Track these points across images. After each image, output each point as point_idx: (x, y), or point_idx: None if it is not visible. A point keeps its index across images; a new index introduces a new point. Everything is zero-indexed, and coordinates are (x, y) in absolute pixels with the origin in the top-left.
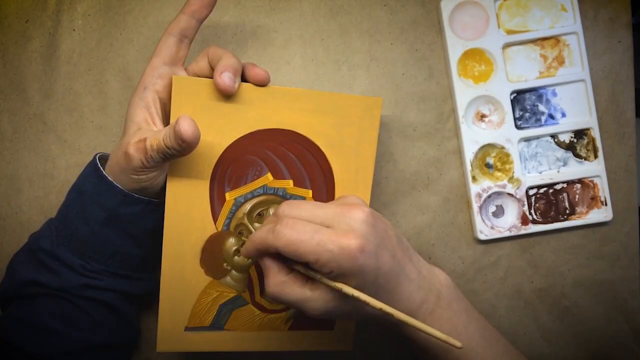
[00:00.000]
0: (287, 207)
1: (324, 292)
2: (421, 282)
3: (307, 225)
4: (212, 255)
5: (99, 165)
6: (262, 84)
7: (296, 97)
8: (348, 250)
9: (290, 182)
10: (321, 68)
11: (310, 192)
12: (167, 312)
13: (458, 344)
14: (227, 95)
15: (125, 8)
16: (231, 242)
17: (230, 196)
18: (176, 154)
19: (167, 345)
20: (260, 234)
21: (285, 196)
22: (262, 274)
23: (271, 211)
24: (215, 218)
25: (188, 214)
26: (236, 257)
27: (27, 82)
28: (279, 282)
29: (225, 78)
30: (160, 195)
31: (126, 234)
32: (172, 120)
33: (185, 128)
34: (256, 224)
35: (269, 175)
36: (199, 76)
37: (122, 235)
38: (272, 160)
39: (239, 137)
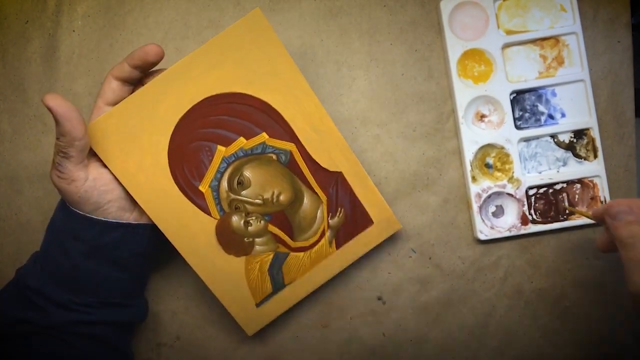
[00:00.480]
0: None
1: None
2: None
3: None
4: (229, 240)
5: (66, 202)
6: (157, 57)
7: (187, 68)
8: None
9: (242, 139)
10: (321, 68)
11: (264, 133)
12: (233, 305)
13: None
14: (158, 59)
15: (125, 9)
16: (235, 219)
17: (203, 187)
18: (67, 141)
19: (252, 327)
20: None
21: (246, 153)
22: (280, 224)
23: (246, 173)
24: (207, 212)
25: (184, 225)
26: (249, 227)
27: (27, 83)
28: None
29: (148, 47)
30: (136, 213)
31: (110, 262)
32: (108, 164)
33: (53, 102)
34: (243, 192)
35: (220, 148)
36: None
37: (107, 264)
38: (212, 134)
39: (169, 137)
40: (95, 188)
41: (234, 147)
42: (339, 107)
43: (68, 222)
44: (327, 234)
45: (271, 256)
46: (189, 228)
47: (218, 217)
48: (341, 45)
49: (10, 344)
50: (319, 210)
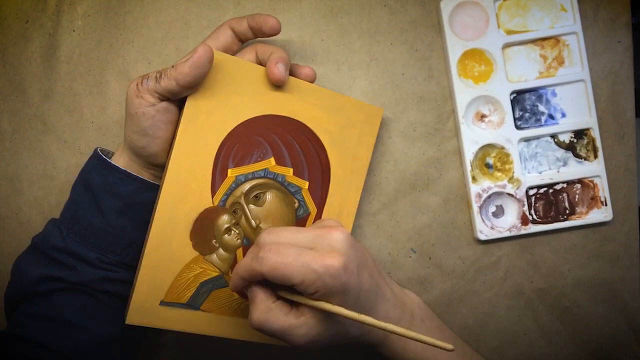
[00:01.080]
0: (267, 235)
1: (308, 319)
2: (396, 301)
3: (291, 249)
4: (202, 229)
5: (104, 157)
6: (311, 80)
7: (309, 91)
8: (332, 269)
9: (291, 170)
10: (321, 68)
11: (307, 183)
12: (145, 282)
13: (449, 346)
14: (277, 85)
15: (125, 9)
16: (224, 219)
17: (232, 173)
18: (176, 78)
19: (138, 318)
20: (244, 262)
21: (284, 183)
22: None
23: (268, 195)
24: (213, 192)
25: (188, 182)
26: (226, 235)
27: (27, 83)
28: (264, 309)
29: (281, 68)
30: None
31: (142, 223)
32: (189, 94)
33: (205, 47)
34: (252, 206)
35: (272, 160)
36: None
37: (138, 224)
38: (277, 146)
39: (251, 117)
40: (153, 117)
41: (280, 170)
42: None
43: (106, 177)
44: None
45: (216, 274)
46: (189, 188)
47: (215, 205)
48: (341, 45)
49: (37, 301)
50: None
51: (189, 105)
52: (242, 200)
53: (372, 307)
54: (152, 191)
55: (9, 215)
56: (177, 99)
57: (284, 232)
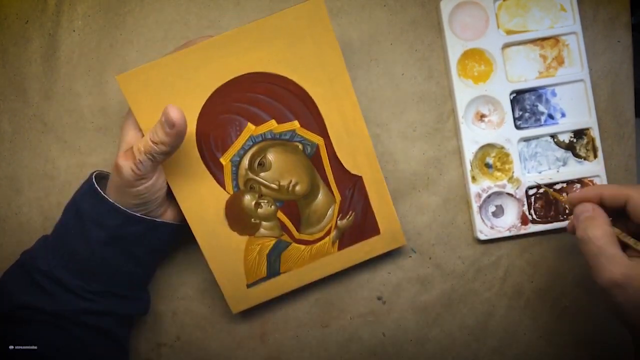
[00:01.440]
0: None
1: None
2: None
3: None
4: (237, 217)
5: (96, 185)
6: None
7: (236, 40)
8: None
9: (273, 121)
10: None
11: (296, 122)
12: (224, 280)
13: None
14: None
15: (125, 9)
16: (247, 199)
17: (224, 160)
18: (165, 151)
19: (239, 305)
20: (612, 185)
21: (274, 137)
22: (290, 213)
23: (269, 156)
24: (222, 184)
25: (197, 192)
26: (259, 209)
27: (27, 83)
28: (607, 231)
29: (171, 109)
30: (163, 209)
31: (127, 254)
32: (136, 116)
33: (173, 112)
34: (262, 174)
35: (250, 125)
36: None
37: (124, 255)
38: (245, 110)
39: (203, 103)
40: (154, 187)
41: (263, 128)
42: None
43: (95, 207)
44: (333, 233)
45: (273, 242)
46: (200, 196)
47: (231, 192)
48: (341, 45)
49: (11, 327)
50: (330, 209)
51: (143, 127)
52: (250, 175)
53: None
54: (139, 224)
55: (9, 215)
56: None
57: None
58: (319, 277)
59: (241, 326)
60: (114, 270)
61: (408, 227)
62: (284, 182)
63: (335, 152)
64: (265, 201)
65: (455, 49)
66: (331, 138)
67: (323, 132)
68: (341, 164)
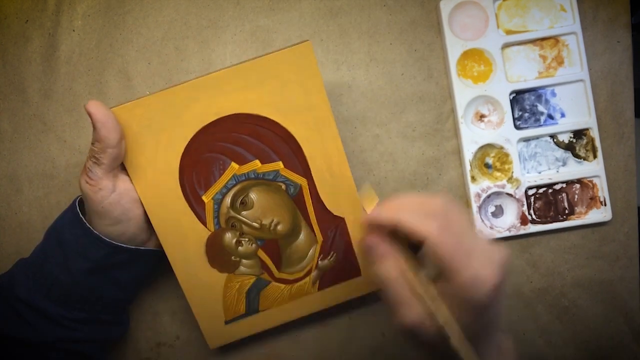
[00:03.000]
0: (444, 205)
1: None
2: (497, 343)
3: (464, 236)
4: (217, 254)
5: (80, 214)
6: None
7: (224, 80)
8: (490, 283)
9: (257, 162)
10: (321, 68)
11: (280, 162)
12: (203, 316)
13: None
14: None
15: (124, 8)
16: (228, 236)
17: (206, 198)
18: (102, 148)
19: (215, 341)
20: (411, 215)
21: (257, 176)
22: (270, 252)
23: (252, 195)
24: (203, 222)
25: (178, 229)
26: (240, 247)
27: (27, 83)
28: (399, 269)
29: (87, 104)
30: (146, 236)
31: (112, 282)
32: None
33: (89, 106)
34: (244, 212)
35: (234, 165)
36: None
37: (107, 282)
38: (229, 150)
39: (187, 141)
40: (120, 204)
41: (247, 167)
42: (339, 106)
43: (79, 237)
44: (313, 273)
45: (253, 280)
46: (181, 232)
47: (212, 230)
48: (341, 45)
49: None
50: (311, 249)
51: (130, 169)
52: (232, 213)
53: (482, 341)
54: (125, 253)
55: (8, 214)
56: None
57: (462, 217)
58: (298, 316)
59: None
60: (96, 298)
61: None
62: (265, 222)
63: (318, 194)
64: (247, 239)
65: (454, 49)
66: (315, 180)
67: (307, 173)
68: (324, 205)
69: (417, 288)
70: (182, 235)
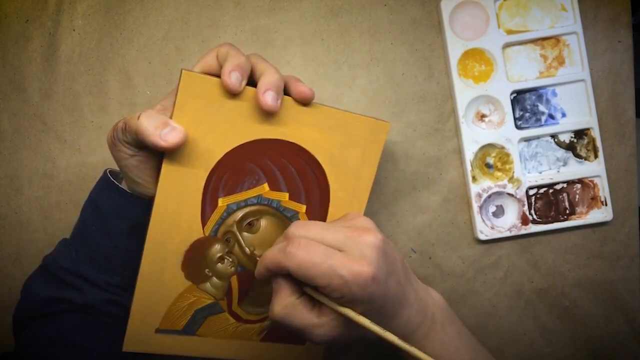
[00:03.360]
0: (296, 228)
1: (330, 320)
2: (418, 305)
3: (319, 248)
4: (194, 260)
5: (112, 179)
6: (305, 102)
7: (304, 110)
8: (360, 278)
9: (286, 195)
10: (321, 68)
11: (304, 207)
12: (139, 312)
13: None
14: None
15: (125, 8)
16: (217, 248)
17: (223, 202)
18: (138, 143)
19: (134, 345)
20: (271, 253)
21: (279, 209)
22: (243, 283)
23: (262, 222)
24: (204, 222)
25: (177, 213)
26: (219, 264)
27: (27, 82)
28: (288, 304)
29: (270, 97)
30: None
31: None
32: (175, 116)
33: (143, 122)
34: (245, 234)
35: (265, 186)
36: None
37: None
38: (270, 171)
39: (241, 143)
40: (137, 168)
41: (275, 195)
42: (340, 106)
43: (113, 200)
44: (267, 322)
45: (210, 301)
46: (177, 222)
47: (205, 235)
48: (342, 44)
49: (44, 322)
50: None
51: (177, 117)
52: (235, 229)
53: (395, 313)
54: None
55: (8, 214)
56: None
57: (314, 227)
58: (228, 356)
59: None
60: (137, 263)
61: (408, 227)
62: (257, 252)
63: None
64: (230, 260)
65: (455, 49)
66: None
67: None
68: None
69: (318, 297)
70: (176, 224)
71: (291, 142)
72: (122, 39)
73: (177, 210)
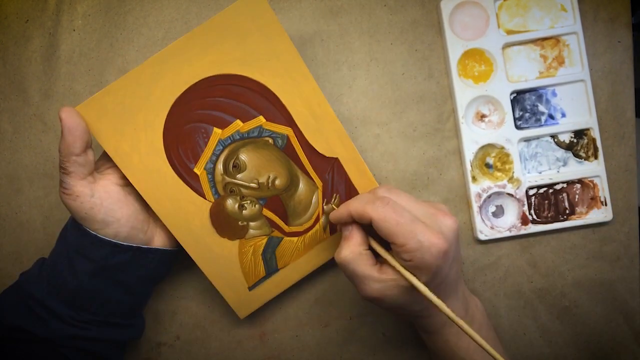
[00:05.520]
0: (386, 191)
1: (388, 279)
2: (463, 301)
3: (406, 211)
4: (224, 223)
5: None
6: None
7: (184, 48)
8: (435, 248)
9: (238, 121)
10: (321, 68)
11: (261, 117)
12: (225, 289)
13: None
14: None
15: (125, 8)
16: (230, 203)
17: (198, 169)
18: (66, 154)
19: (244, 310)
20: (359, 202)
21: (242, 136)
22: (277, 210)
23: (242, 157)
24: (202, 194)
25: (178, 206)
26: (244, 211)
27: (27, 82)
28: (355, 251)
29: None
30: (149, 235)
31: (116, 283)
32: (105, 149)
33: (64, 111)
34: (238, 175)
35: (217, 130)
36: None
37: (112, 284)
38: (208, 116)
39: (165, 117)
40: (102, 206)
41: (230, 130)
42: (340, 106)
43: (78, 238)
44: (322, 219)
45: (265, 240)
46: (183, 210)
47: (213, 200)
48: (341, 44)
49: (5, 349)
50: (314, 196)
51: (116, 159)
52: (228, 179)
53: (446, 298)
54: (125, 253)
55: (9, 214)
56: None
57: (403, 196)
58: (317, 265)
59: (241, 326)
60: (103, 301)
61: None
62: (262, 179)
63: (306, 139)
64: (248, 202)
65: (455, 49)
66: (299, 126)
67: (290, 122)
68: (315, 149)
69: (380, 251)
70: (185, 213)
71: (199, 81)
72: (122, 39)
73: (175, 204)
